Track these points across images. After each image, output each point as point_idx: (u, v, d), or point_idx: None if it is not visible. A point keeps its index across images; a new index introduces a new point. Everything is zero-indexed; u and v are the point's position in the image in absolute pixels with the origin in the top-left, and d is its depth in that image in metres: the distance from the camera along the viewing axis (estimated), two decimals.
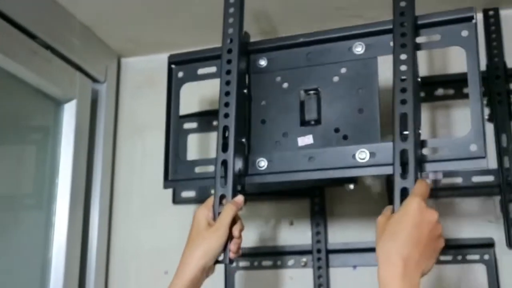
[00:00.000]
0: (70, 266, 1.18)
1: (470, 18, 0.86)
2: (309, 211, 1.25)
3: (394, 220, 0.74)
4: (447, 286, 1.16)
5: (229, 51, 0.96)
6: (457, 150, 0.83)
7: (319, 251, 1.21)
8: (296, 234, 1.26)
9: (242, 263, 1.26)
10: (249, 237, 1.28)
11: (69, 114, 1.23)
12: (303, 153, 0.92)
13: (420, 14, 0.88)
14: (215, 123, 1.30)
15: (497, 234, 1.12)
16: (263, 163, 0.94)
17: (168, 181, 1.02)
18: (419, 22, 0.88)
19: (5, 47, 1.02)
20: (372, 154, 0.87)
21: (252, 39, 1.02)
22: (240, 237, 0.88)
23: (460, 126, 1.17)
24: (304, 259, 1.23)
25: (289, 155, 0.93)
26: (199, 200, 1.27)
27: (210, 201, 0.90)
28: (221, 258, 0.87)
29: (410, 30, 0.85)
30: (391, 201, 0.80)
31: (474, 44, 0.85)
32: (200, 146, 1.34)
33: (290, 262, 1.24)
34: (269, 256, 1.25)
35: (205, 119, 1.33)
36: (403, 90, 0.82)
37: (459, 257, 1.15)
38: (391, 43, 0.88)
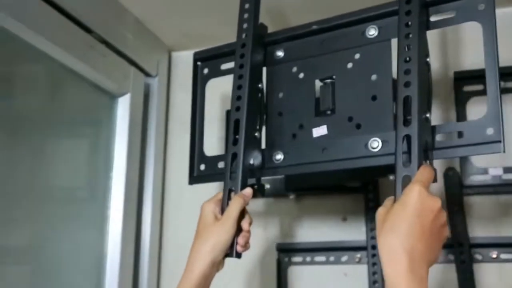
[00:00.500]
0: (125, 259, 1.20)
1: None
2: (363, 207, 1.21)
3: (394, 211, 0.69)
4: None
5: (243, 45, 0.95)
6: (472, 135, 0.75)
7: (373, 247, 1.18)
8: (350, 230, 1.22)
9: (294, 259, 1.25)
10: (302, 233, 1.27)
11: (123, 108, 1.23)
12: (317, 145, 0.89)
13: None
14: None
15: None
16: (279, 156, 0.93)
17: (193, 177, 1.04)
18: None
19: (63, 41, 1.03)
20: (384, 143, 0.82)
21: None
22: (249, 231, 0.87)
23: None
24: (358, 255, 1.21)
25: (304, 147, 0.91)
26: None
27: (218, 195, 0.90)
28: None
29: (416, 8, 0.78)
30: None
31: (492, 18, 0.76)
32: None
33: (344, 258, 1.22)
34: (322, 251, 1.24)
35: None
36: (407, 72, 0.76)
37: None
38: None
